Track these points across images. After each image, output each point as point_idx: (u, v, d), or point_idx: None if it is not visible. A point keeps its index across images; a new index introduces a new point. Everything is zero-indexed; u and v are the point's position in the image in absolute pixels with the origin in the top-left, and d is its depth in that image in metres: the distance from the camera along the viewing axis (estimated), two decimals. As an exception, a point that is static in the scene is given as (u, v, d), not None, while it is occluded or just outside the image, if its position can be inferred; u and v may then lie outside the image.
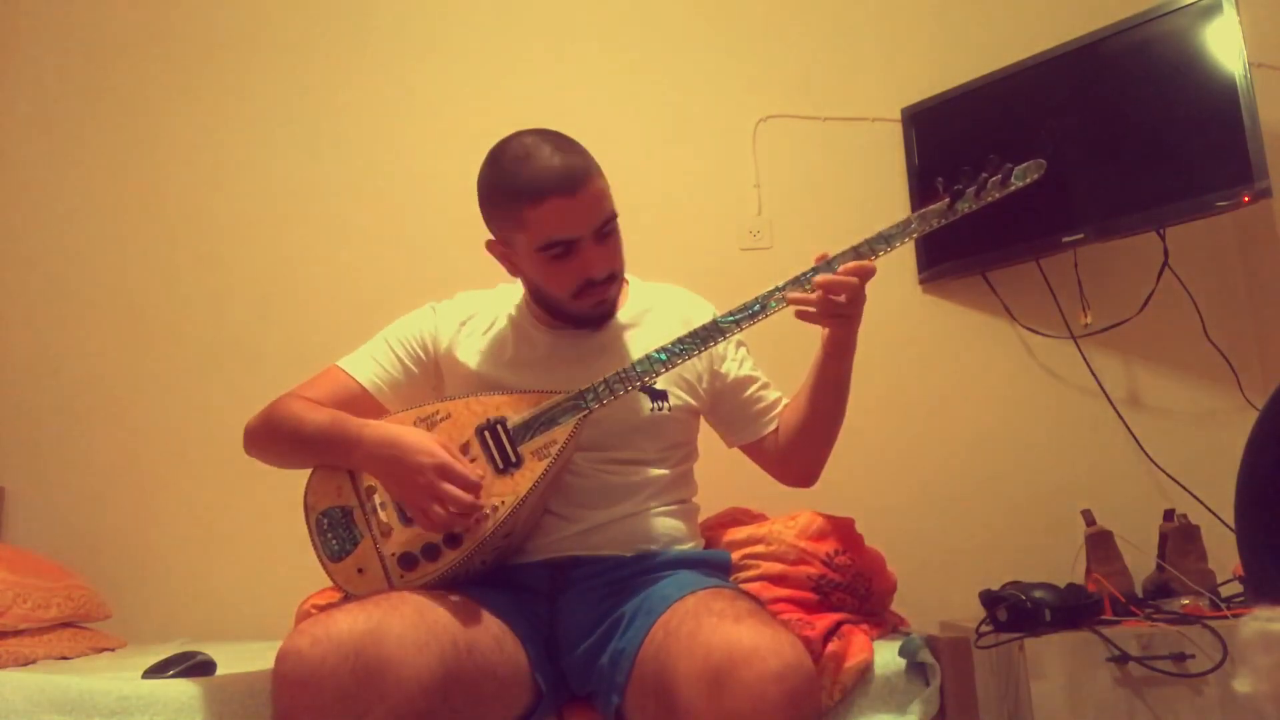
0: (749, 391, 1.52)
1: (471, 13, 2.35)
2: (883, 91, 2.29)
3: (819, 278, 1.26)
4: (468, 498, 1.21)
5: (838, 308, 1.27)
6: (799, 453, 1.49)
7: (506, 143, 1.36)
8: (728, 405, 1.52)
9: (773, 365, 1.60)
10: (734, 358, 1.53)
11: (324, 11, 2.36)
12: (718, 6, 2.34)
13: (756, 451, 1.54)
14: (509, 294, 1.55)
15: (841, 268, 1.27)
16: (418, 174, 2.29)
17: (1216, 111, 1.89)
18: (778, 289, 1.30)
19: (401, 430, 1.29)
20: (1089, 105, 2.06)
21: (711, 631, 1.08)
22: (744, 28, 2.33)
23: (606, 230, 1.34)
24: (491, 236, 1.42)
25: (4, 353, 2.25)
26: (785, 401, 1.54)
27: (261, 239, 2.28)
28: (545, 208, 1.28)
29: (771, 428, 1.52)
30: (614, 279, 1.38)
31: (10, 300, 2.27)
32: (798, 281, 1.29)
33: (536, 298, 1.44)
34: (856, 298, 1.28)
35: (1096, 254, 2.14)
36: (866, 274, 1.27)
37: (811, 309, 1.27)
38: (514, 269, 1.43)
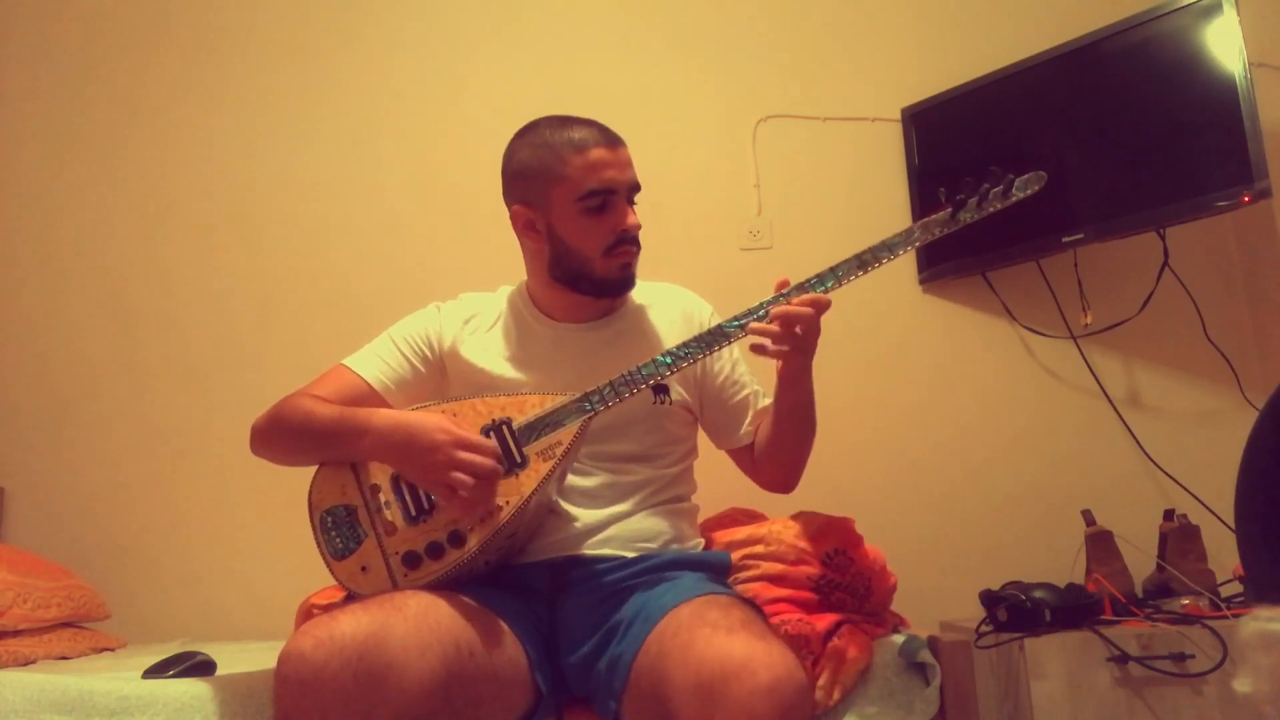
0: (735, 396, 1.53)
1: (471, 14, 2.35)
2: (883, 91, 2.29)
3: (776, 309, 1.27)
4: (489, 464, 1.22)
5: (793, 340, 1.28)
6: (772, 465, 1.51)
7: (535, 121, 1.44)
8: (715, 407, 1.53)
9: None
10: (726, 359, 1.53)
11: (324, 11, 2.36)
12: (718, 6, 2.35)
13: (738, 455, 1.56)
14: (510, 295, 1.55)
15: (796, 300, 1.27)
16: (418, 173, 2.29)
17: (1216, 111, 1.89)
18: (782, 295, 1.30)
19: (410, 414, 1.30)
20: (1089, 105, 2.06)
21: (705, 644, 1.08)
22: (744, 28, 2.33)
23: (634, 199, 1.43)
24: (514, 209, 1.44)
25: (3, 353, 2.25)
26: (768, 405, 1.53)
27: (261, 238, 2.28)
28: (589, 156, 1.37)
29: (751, 437, 1.53)
30: (639, 245, 1.43)
31: (10, 301, 2.27)
32: (774, 301, 1.29)
33: (558, 270, 1.43)
34: (811, 329, 1.28)
35: (1096, 254, 2.14)
36: (821, 306, 1.28)
37: (768, 341, 1.27)
38: (539, 237, 1.43)
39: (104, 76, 2.34)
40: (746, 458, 1.54)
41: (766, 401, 1.53)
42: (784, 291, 1.29)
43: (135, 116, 2.33)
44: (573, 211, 1.38)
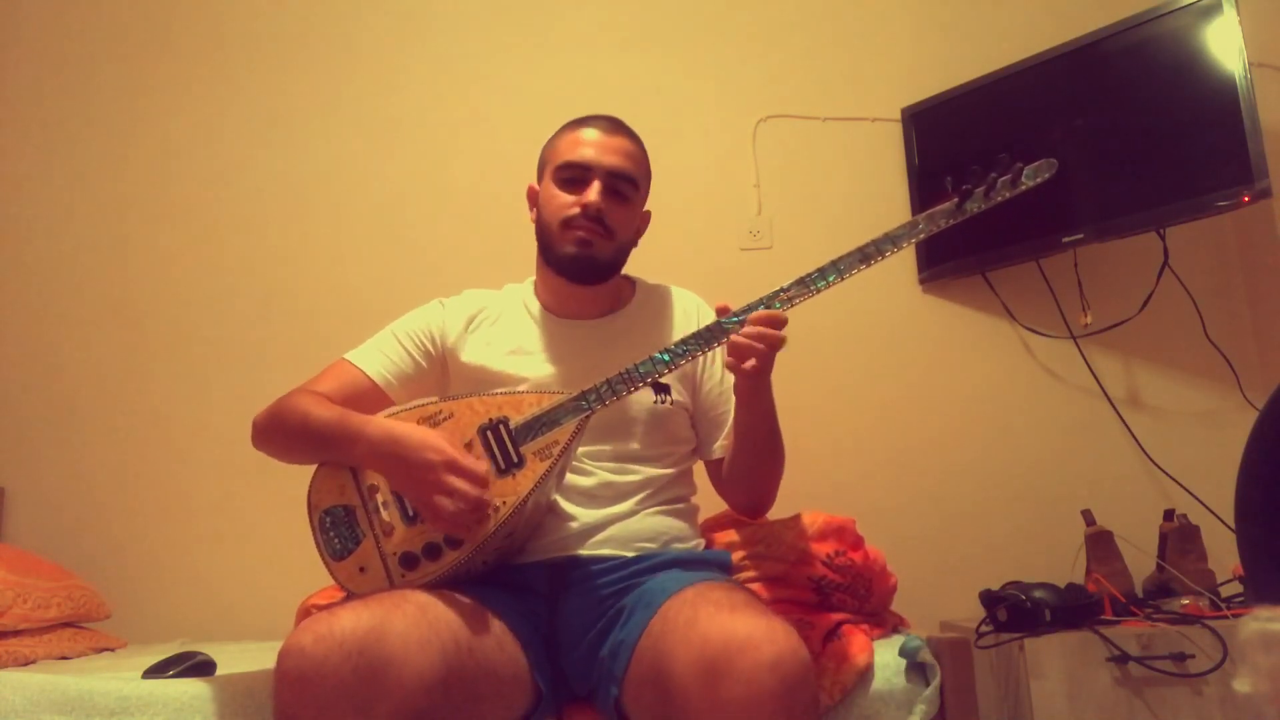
0: (717, 408, 1.51)
1: (472, 15, 2.35)
2: (883, 91, 2.29)
3: (746, 329, 1.25)
4: (476, 492, 1.21)
5: (753, 355, 1.25)
6: (735, 487, 1.50)
7: None
8: (699, 415, 1.52)
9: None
10: (712, 371, 1.51)
11: (325, 10, 2.36)
12: (718, 6, 2.34)
13: (710, 469, 1.55)
14: (516, 292, 1.56)
15: (754, 317, 1.25)
16: (421, 171, 2.29)
17: (1216, 111, 1.89)
18: (781, 290, 1.28)
19: (405, 427, 1.29)
20: (1089, 105, 2.06)
21: (708, 621, 1.08)
22: (744, 28, 2.34)
23: (618, 188, 1.44)
24: (531, 185, 1.54)
25: (4, 353, 2.25)
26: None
27: (262, 237, 2.28)
28: (580, 132, 1.46)
29: (723, 452, 1.51)
30: (603, 226, 1.42)
31: (10, 300, 2.27)
32: (773, 295, 1.27)
33: (540, 243, 1.49)
34: (773, 350, 1.26)
35: (1096, 254, 2.14)
36: (781, 324, 1.25)
37: (753, 360, 1.25)
38: (535, 210, 1.51)
39: (108, 74, 2.34)
40: (716, 474, 1.53)
41: None
42: (783, 286, 1.28)
43: (139, 115, 2.33)
44: (553, 180, 1.46)
